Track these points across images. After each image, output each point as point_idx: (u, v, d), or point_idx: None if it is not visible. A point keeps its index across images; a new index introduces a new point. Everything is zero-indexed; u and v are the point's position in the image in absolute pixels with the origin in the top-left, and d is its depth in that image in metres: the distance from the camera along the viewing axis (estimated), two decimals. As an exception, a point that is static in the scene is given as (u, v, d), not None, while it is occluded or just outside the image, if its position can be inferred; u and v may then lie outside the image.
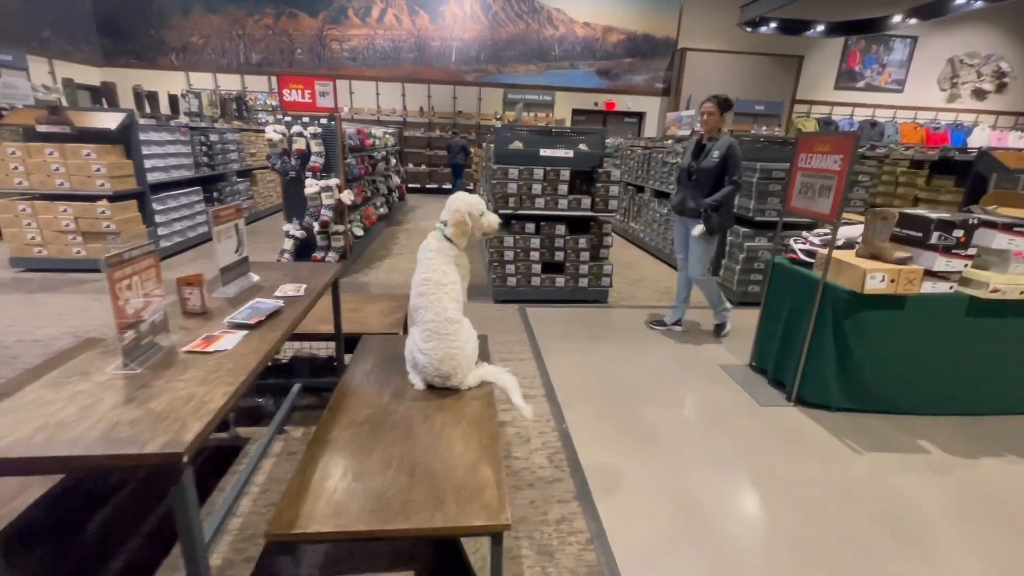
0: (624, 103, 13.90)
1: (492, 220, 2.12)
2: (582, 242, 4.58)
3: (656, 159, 7.13)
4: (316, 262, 5.16)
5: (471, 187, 12.21)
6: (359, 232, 5.83)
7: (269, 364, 2.99)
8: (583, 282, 4.70)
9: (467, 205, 2.05)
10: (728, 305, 4.08)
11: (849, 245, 3.10)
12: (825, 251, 2.90)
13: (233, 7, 12.06)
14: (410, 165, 13.01)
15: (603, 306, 4.74)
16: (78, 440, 1.01)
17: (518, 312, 4.45)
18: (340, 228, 5.30)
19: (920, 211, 2.82)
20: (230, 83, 12.36)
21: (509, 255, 4.55)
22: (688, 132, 7.08)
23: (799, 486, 2.30)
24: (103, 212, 4.74)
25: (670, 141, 7.25)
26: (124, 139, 4.98)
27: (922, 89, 14.13)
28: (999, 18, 13.34)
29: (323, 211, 4.99)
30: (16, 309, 4.02)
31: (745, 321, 4.30)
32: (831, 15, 11.82)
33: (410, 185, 12.93)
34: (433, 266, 2.01)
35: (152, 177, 5.32)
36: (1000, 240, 2.65)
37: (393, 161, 9.55)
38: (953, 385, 2.88)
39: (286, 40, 12.38)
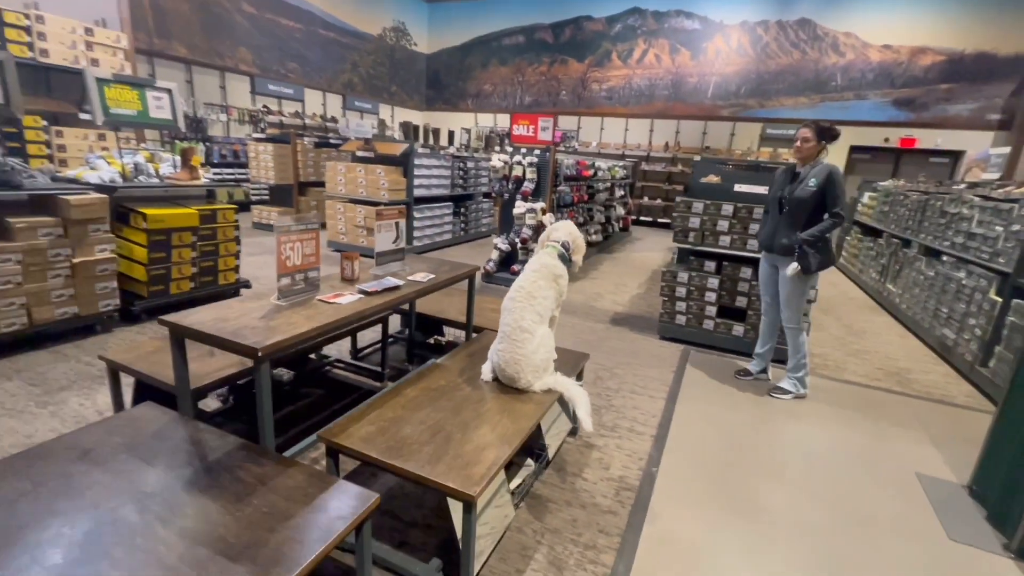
0: (931, 140, 11.08)
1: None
2: (771, 290, 4.02)
3: (933, 207, 5.59)
4: (512, 273, 5.88)
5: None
6: (558, 252, 6.35)
7: (431, 342, 3.68)
8: (767, 336, 4.10)
9: (578, 231, 2.40)
10: (806, 372, 3.40)
11: None
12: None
13: (519, 58, 14.45)
14: (645, 198, 13.15)
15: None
16: (223, 328, 1.65)
17: (680, 353, 4.19)
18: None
19: None
20: (505, 122, 14.78)
21: (681, 291, 4.33)
22: (997, 175, 5.29)
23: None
24: (380, 214, 6.46)
25: (962, 185, 5.57)
26: (404, 163, 6.68)
27: None
28: None
29: (524, 229, 5.68)
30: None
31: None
32: None
33: (641, 217, 13.08)
34: (533, 279, 2.26)
35: (417, 192, 6.94)
36: None
37: (619, 193, 9.91)
38: None
39: (555, 84, 14.15)
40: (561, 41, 13.92)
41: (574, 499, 2.27)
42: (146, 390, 2.15)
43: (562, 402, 2.37)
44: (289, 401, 2.90)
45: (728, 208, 4.09)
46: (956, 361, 4.29)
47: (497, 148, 5.98)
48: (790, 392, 3.44)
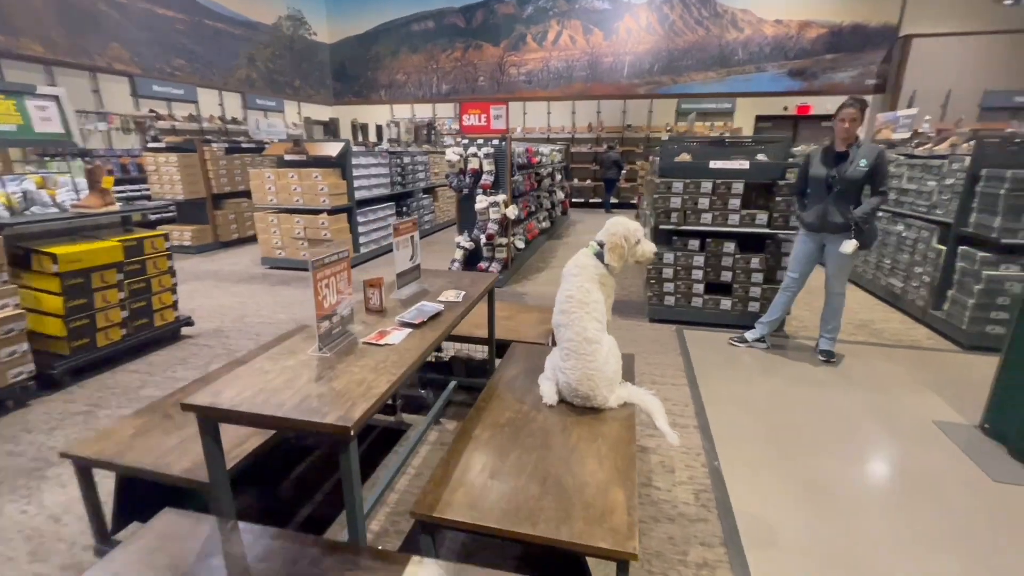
0: (822, 105, 12.18)
1: (647, 249, 2.11)
2: (754, 262, 4.13)
3: (858, 168, 6.08)
4: (480, 271, 5.59)
5: (634, 201, 11.96)
6: (520, 245, 6.15)
7: (431, 360, 3.34)
8: (753, 307, 4.22)
9: (625, 230, 2.06)
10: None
11: None
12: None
13: (431, 45, 13.85)
14: (575, 180, 13.28)
15: (777, 335, 4.19)
16: (282, 404, 1.27)
17: (675, 334, 4.20)
18: (503, 241, 5.66)
19: None
20: (423, 111, 14.18)
21: (668, 272, 4.32)
22: (907, 135, 5.86)
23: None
24: (323, 223, 5.85)
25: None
26: (341, 164, 6.08)
27: None
28: None
29: (489, 225, 5.39)
30: (261, 297, 5.18)
31: (976, 371, 3.44)
32: None
33: (574, 200, 13.20)
34: (577, 284, 2.02)
35: (359, 195, 6.37)
36: None
37: (558, 177, 9.87)
38: None
39: (471, 70, 13.75)
40: (473, 25, 13.51)
41: (659, 513, 2.12)
42: (140, 490, 1.66)
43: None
44: (297, 456, 2.46)
45: (707, 185, 4.12)
46: (907, 307, 4.71)
47: (455, 141, 5.61)
48: (833, 352, 3.62)
